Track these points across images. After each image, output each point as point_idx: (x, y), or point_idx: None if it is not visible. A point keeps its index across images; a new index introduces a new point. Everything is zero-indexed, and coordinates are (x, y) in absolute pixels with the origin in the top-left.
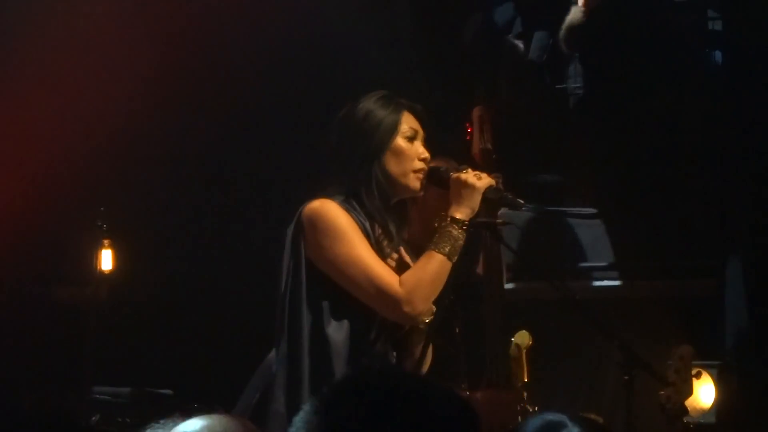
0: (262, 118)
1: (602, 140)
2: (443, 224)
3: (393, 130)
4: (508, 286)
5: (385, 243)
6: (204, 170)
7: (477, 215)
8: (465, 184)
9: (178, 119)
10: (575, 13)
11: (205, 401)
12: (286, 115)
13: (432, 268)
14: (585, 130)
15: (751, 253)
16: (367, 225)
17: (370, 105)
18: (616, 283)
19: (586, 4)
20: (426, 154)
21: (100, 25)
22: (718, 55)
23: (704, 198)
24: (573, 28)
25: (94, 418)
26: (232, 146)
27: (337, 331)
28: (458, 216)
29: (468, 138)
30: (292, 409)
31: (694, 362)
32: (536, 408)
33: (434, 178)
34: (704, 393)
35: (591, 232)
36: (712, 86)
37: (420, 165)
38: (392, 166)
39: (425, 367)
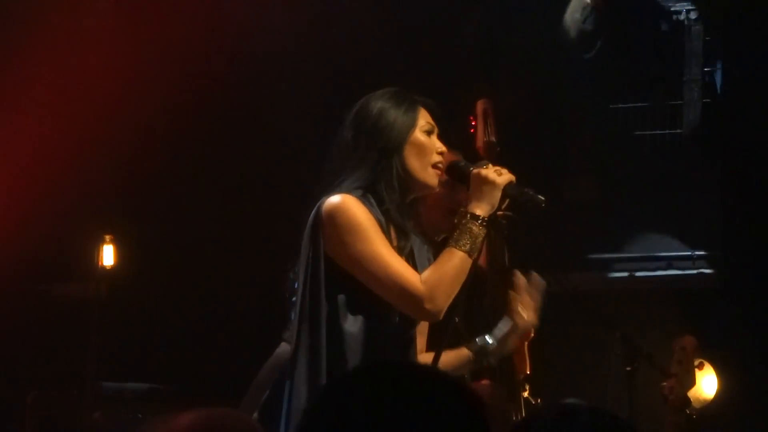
0: (262, 117)
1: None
2: (463, 221)
3: (412, 124)
4: None
5: (400, 240)
6: (205, 167)
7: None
8: (485, 180)
9: (179, 117)
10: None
11: (207, 396)
12: (285, 114)
13: (453, 266)
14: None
15: None
16: (383, 221)
17: (386, 100)
18: (621, 275)
19: None
20: (443, 148)
21: (104, 24)
22: None
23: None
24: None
25: (96, 414)
26: (233, 143)
27: (353, 325)
28: (478, 212)
29: (471, 131)
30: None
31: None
32: (539, 400)
33: (454, 173)
34: (707, 384)
35: (593, 223)
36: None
37: (438, 158)
38: (412, 160)
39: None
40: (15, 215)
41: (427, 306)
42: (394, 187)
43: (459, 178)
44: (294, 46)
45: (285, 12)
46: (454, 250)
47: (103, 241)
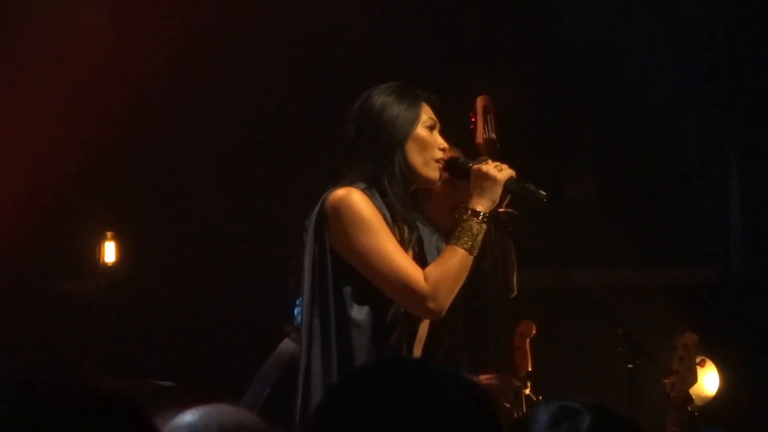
0: (263, 114)
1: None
2: (464, 217)
3: (414, 119)
4: None
5: (405, 233)
6: (206, 163)
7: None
8: (486, 176)
9: (180, 113)
10: None
11: (208, 393)
12: (287, 110)
13: (455, 263)
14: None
15: None
16: (388, 214)
17: (389, 95)
18: (623, 271)
19: None
20: (445, 144)
21: (104, 21)
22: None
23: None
24: None
25: None
26: (234, 140)
27: (360, 314)
28: (479, 209)
29: (471, 128)
30: None
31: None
32: (540, 397)
33: (453, 169)
34: (708, 381)
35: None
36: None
37: (440, 154)
38: (414, 155)
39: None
40: (16, 212)
41: (430, 304)
42: (397, 181)
43: (458, 175)
44: (294, 42)
45: (285, 7)
46: (455, 247)
47: (105, 238)
